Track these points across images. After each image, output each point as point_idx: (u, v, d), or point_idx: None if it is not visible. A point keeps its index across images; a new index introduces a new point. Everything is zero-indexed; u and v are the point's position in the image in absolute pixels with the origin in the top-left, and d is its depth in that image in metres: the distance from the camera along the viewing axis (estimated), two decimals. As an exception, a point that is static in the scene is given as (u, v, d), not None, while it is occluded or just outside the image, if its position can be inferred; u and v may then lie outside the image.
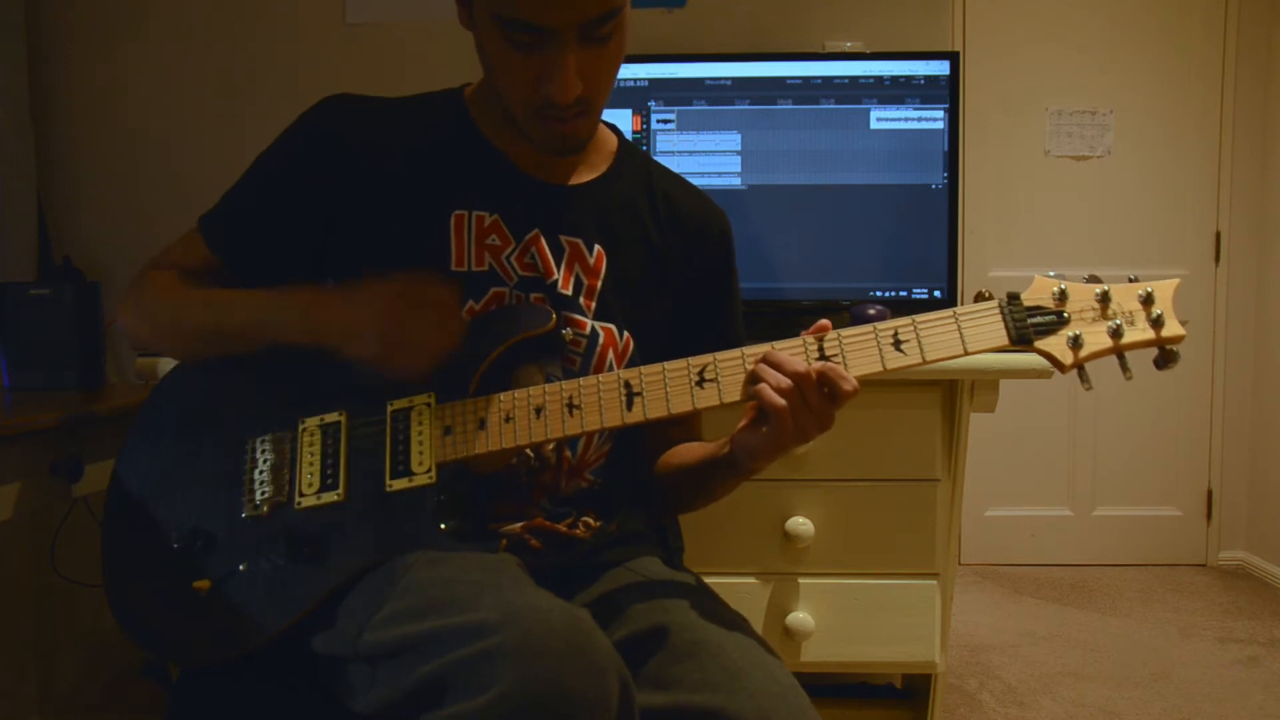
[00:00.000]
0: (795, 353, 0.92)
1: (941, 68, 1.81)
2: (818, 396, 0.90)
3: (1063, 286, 0.89)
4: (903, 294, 1.82)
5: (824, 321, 0.94)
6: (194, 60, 2.09)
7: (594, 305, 1.07)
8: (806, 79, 1.81)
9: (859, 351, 0.91)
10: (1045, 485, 3.47)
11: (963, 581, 3.25)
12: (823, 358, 0.91)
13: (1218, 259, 3.40)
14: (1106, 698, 2.31)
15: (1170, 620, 2.88)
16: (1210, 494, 3.46)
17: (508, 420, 0.95)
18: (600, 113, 1.03)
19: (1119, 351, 0.88)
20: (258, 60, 2.08)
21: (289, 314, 1.02)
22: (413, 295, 0.96)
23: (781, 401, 0.90)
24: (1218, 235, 3.39)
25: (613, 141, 1.16)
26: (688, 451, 1.12)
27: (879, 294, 1.82)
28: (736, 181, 1.83)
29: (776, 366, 0.91)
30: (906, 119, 1.82)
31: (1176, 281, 0.89)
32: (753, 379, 0.92)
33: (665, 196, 1.15)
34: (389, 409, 1.00)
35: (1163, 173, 3.38)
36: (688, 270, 1.15)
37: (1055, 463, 3.47)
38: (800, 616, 1.60)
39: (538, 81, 0.95)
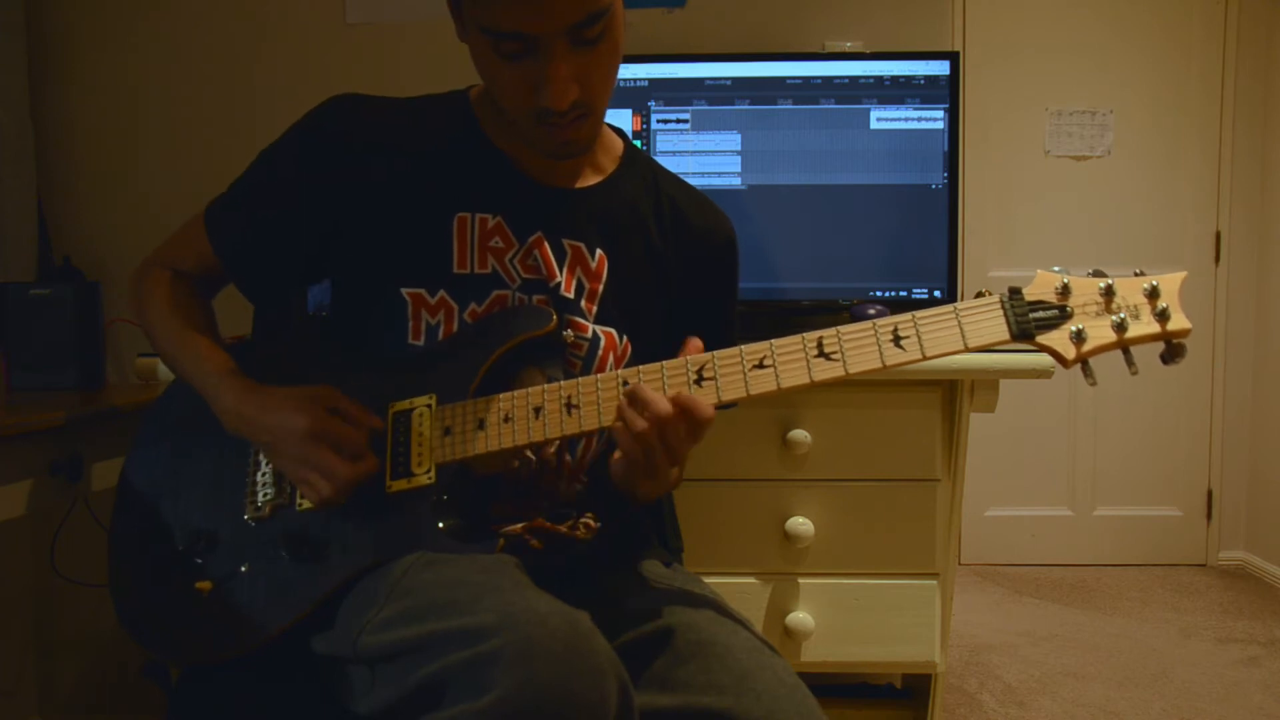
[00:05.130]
0: (793, 350, 0.91)
1: (941, 68, 1.81)
2: (676, 434, 0.90)
3: (1066, 280, 0.88)
4: (902, 294, 1.82)
5: (696, 341, 0.94)
6: (194, 60, 2.08)
7: (595, 309, 1.07)
8: (806, 79, 1.81)
9: (858, 348, 0.90)
10: (1045, 485, 3.47)
11: (963, 581, 3.25)
12: (821, 355, 0.91)
13: (1218, 259, 3.40)
14: (1106, 698, 2.31)
15: (1170, 620, 2.88)
16: (1210, 494, 3.46)
17: (506, 420, 0.95)
18: (602, 114, 1.03)
19: (1124, 346, 0.87)
20: (258, 60, 2.08)
21: (220, 403, 1.03)
22: (321, 431, 0.96)
23: (636, 446, 0.90)
24: (1218, 235, 3.39)
25: (618, 145, 1.16)
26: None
27: (879, 294, 1.82)
28: (736, 181, 1.83)
29: (640, 407, 0.90)
30: (906, 119, 1.82)
31: (1183, 275, 0.87)
32: (618, 415, 0.92)
33: (670, 201, 1.15)
34: (390, 410, 1.00)
35: (1163, 173, 3.38)
36: (689, 275, 1.15)
37: (1055, 463, 3.47)
38: (800, 616, 1.59)
39: (532, 90, 0.95)
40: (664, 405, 0.89)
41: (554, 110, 0.95)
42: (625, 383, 0.93)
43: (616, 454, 0.95)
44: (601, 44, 0.95)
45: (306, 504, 1.00)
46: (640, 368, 0.94)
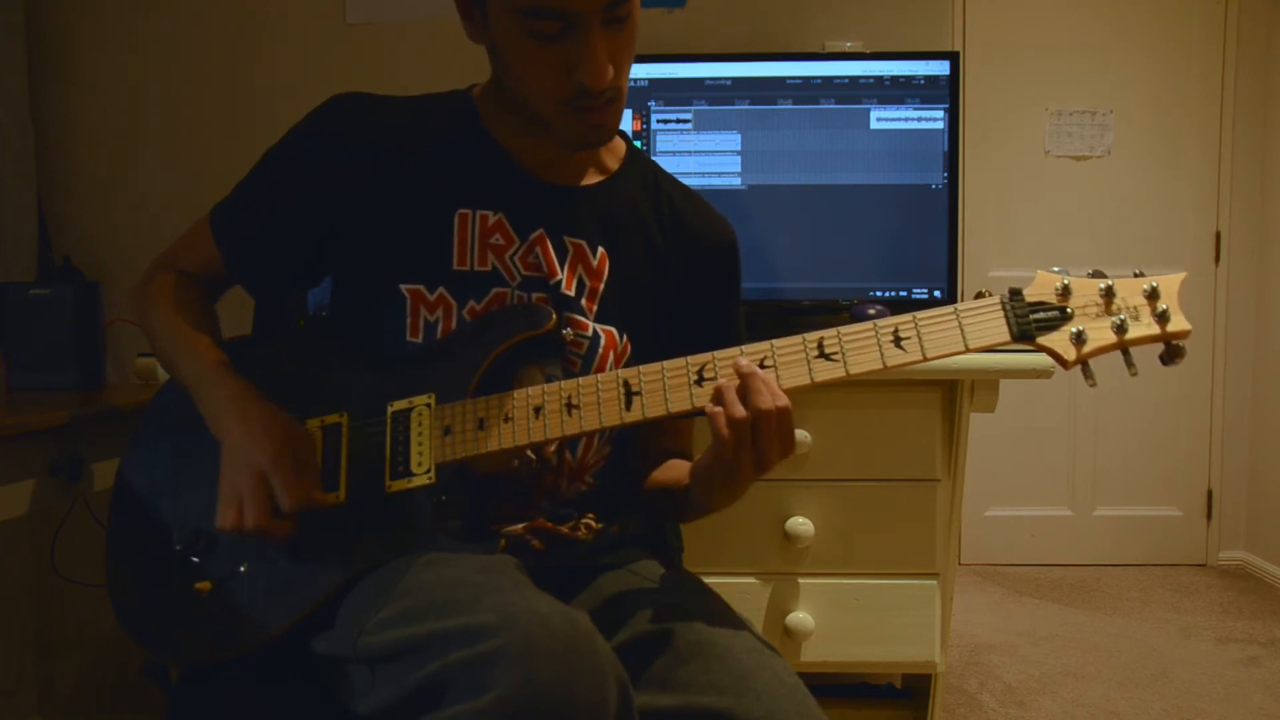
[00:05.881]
0: (794, 350, 0.91)
1: (941, 68, 1.81)
2: (769, 433, 0.88)
3: (1066, 281, 0.88)
4: (902, 294, 1.82)
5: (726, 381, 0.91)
6: (194, 60, 2.08)
7: (595, 307, 1.07)
8: (806, 79, 1.81)
9: (859, 349, 0.90)
10: (1045, 485, 3.47)
11: (963, 581, 3.25)
12: (823, 356, 0.91)
13: (1218, 259, 3.40)
14: (1106, 698, 2.31)
15: (1170, 620, 2.88)
16: (1210, 494, 3.46)
17: (507, 420, 0.95)
18: (624, 100, 1.03)
19: (1123, 347, 0.87)
20: (258, 60, 2.08)
21: (206, 401, 1.03)
22: (269, 471, 0.96)
23: (727, 431, 0.88)
24: (1218, 235, 3.39)
25: (620, 146, 1.16)
26: (668, 473, 1.11)
27: (879, 294, 1.82)
28: (736, 181, 1.83)
29: (741, 394, 0.89)
30: (906, 119, 1.82)
31: (1182, 275, 0.87)
32: (716, 397, 0.90)
33: (670, 203, 1.15)
34: (389, 410, 1.00)
35: (1163, 173, 3.38)
36: (689, 276, 1.14)
37: (1055, 463, 3.47)
38: (800, 616, 1.59)
39: (567, 73, 0.95)
40: (766, 401, 0.87)
41: (591, 90, 0.95)
42: (626, 383, 0.93)
43: (703, 458, 0.94)
44: (627, 25, 0.96)
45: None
46: (640, 368, 0.94)
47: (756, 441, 0.89)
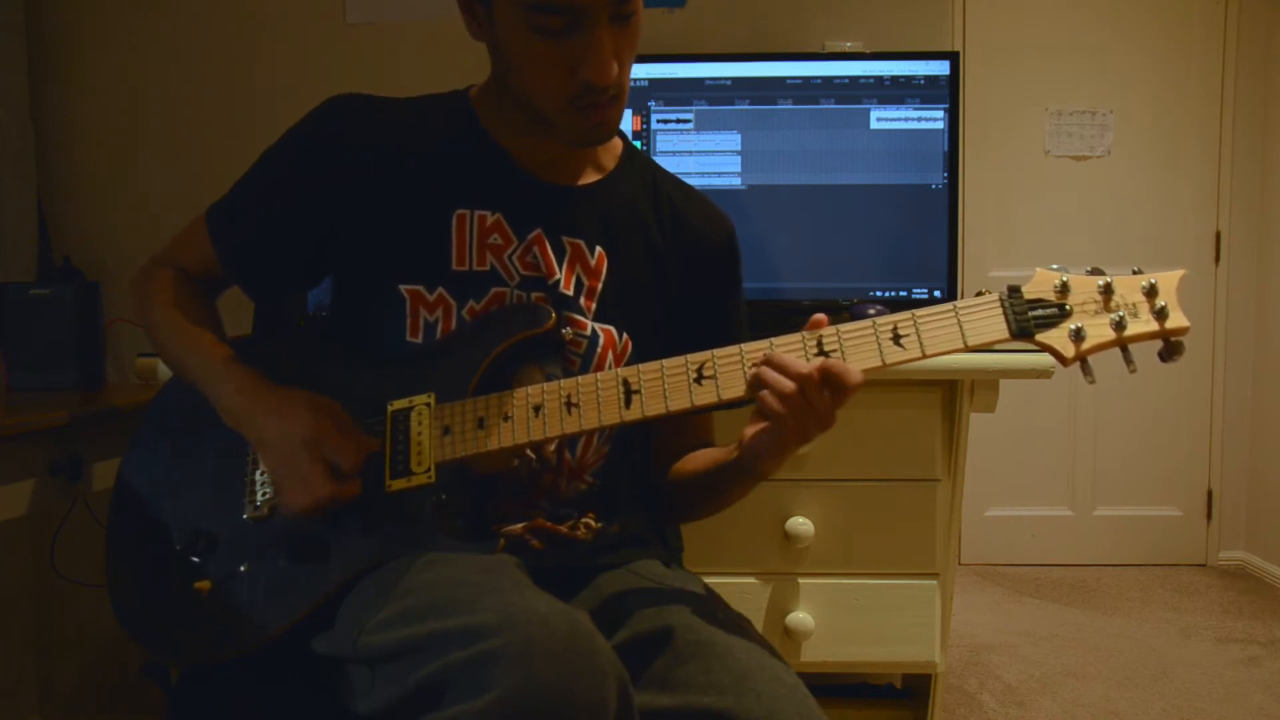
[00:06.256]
0: (794, 348, 0.92)
1: (941, 68, 1.81)
2: (819, 397, 0.90)
3: (1065, 279, 0.88)
4: (902, 294, 1.82)
5: (819, 316, 0.93)
6: (194, 60, 2.08)
7: (594, 306, 1.07)
8: (806, 79, 1.81)
9: (858, 346, 0.90)
10: (1045, 485, 3.47)
11: (963, 581, 3.25)
12: (822, 354, 0.91)
13: (1218, 259, 3.40)
14: (1106, 698, 2.31)
15: (1170, 620, 2.88)
16: (1210, 494, 3.46)
17: (506, 419, 0.95)
18: (626, 98, 1.02)
19: (1122, 344, 0.87)
20: (258, 60, 2.08)
21: (221, 397, 1.03)
22: (318, 441, 0.96)
23: (782, 407, 0.89)
24: (1218, 235, 3.39)
25: (617, 145, 1.16)
26: (700, 458, 1.11)
27: (879, 294, 1.82)
28: (736, 181, 1.83)
29: (780, 369, 0.90)
30: (906, 119, 1.82)
31: (1181, 273, 0.88)
32: (755, 383, 0.91)
33: (669, 200, 1.15)
34: (389, 409, 1.00)
35: (1163, 173, 3.38)
36: (689, 275, 1.14)
37: (1055, 463, 3.47)
38: (800, 616, 1.59)
39: (571, 71, 0.95)
40: (803, 366, 0.89)
41: (596, 86, 0.95)
42: (625, 382, 0.93)
43: (752, 429, 0.95)
44: (632, 22, 0.96)
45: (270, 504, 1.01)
46: (640, 366, 0.94)
47: (812, 406, 0.90)
